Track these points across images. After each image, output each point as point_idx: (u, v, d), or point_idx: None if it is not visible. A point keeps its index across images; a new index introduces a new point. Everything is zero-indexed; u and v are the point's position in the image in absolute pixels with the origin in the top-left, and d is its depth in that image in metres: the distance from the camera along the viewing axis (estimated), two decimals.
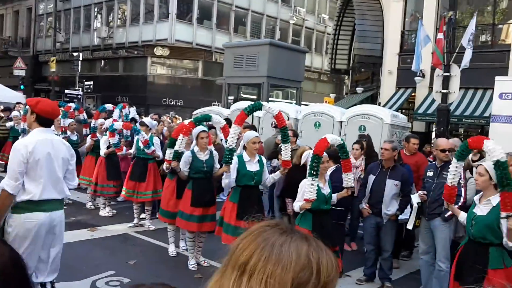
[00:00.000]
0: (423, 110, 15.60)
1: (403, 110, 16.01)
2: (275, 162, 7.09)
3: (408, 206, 5.19)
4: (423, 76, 15.72)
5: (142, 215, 7.11)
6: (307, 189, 4.27)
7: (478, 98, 15.26)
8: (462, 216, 4.08)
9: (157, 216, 6.49)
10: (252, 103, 5.40)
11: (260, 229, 1.03)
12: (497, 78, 7.92)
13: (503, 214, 3.44)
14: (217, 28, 28.43)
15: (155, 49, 27.53)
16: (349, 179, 4.78)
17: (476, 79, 14.38)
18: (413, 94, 16.88)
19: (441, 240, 4.78)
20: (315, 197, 4.29)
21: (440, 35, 10.98)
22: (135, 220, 7.03)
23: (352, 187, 4.85)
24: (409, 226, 4.90)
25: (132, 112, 9.86)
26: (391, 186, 5.20)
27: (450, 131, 17.34)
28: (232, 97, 16.91)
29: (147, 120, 7.46)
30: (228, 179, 4.87)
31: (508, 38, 16.18)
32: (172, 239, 5.91)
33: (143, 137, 6.67)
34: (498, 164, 3.46)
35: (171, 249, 5.88)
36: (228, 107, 12.92)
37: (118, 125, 7.27)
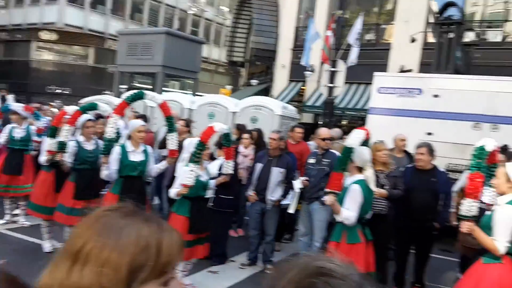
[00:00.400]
0: (311, 103, 16.42)
1: (294, 102, 16.69)
2: (164, 151, 6.94)
3: (291, 191, 5.41)
4: (313, 70, 16.52)
5: (16, 211, 6.52)
6: (186, 175, 4.24)
7: (361, 92, 16.45)
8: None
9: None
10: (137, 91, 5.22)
11: (100, 214, 0.96)
12: (375, 73, 8.55)
13: (326, 190, 3.88)
14: (112, 14, 27.09)
15: (41, 33, 25.43)
16: (228, 166, 4.87)
17: (360, 75, 15.46)
18: (303, 87, 17.68)
19: (318, 222, 5.12)
20: (193, 183, 4.28)
21: (329, 33, 11.61)
22: (7, 217, 6.42)
23: (230, 174, 4.94)
24: (291, 210, 5.11)
25: (10, 99, 8.99)
26: (277, 173, 5.39)
27: (336, 122, 18.50)
28: (126, 86, 16.24)
29: (17, 106, 6.75)
30: (108, 170, 4.66)
31: (390, 37, 17.58)
32: (47, 235, 5.49)
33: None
34: (345, 149, 3.90)
35: (47, 246, 5.47)
36: (119, 97, 12.37)
37: None
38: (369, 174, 3.95)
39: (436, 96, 7.83)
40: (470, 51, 10.69)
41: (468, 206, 3.23)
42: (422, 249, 5.17)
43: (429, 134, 7.70)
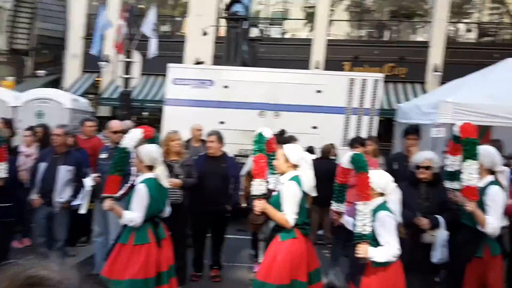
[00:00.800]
0: (108, 95, 15.71)
1: (90, 95, 15.73)
2: None
3: (82, 190, 5.05)
4: (108, 61, 15.81)
5: None
6: None
7: (159, 84, 16.46)
8: None
9: None
10: None
11: None
12: (170, 65, 8.62)
13: (102, 195, 3.74)
14: None
15: None
16: (1, 169, 4.31)
17: (157, 67, 15.41)
18: (98, 79, 16.78)
19: (114, 220, 4.88)
20: None
21: (121, 22, 11.18)
22: None
23: (3, 178, 4.38)
24: (82, 211, 4.78)
25: None
26: (64, 172, 4.96)
27: (136, 115, 18.13)
28: None
29: None
30: None
31: (185, 30, 17.94)
32: None
33: None
34: (119, 150, 3.79)
35: None
36: None
37: None
38: (159, 172, 3.81)
39: (226, 87, 8.32)
40: (255, 45, 11.66)
41: (258, 186, 3.46)
42: (218, 232, 5.46)
43: (222, 123, 8.15)
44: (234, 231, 6.19)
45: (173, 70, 8.58)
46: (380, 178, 3.36)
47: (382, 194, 3.35)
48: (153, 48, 11.36)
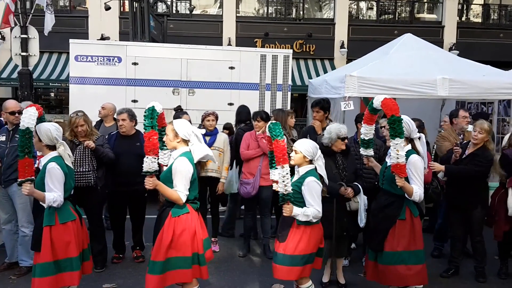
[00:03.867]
0: (7, 75, 14.44)
1: None
2: None
3: None
4: (3, 38, 14.43)
5: None
6: None
7: (63, 62, 15.40)
8: None
9: None
10: None
11: None
12: (71, 41, 8.03)
13: (19, 180, 3.49)
14: None
15: None
16: None
17: (58, 44, 14.38)
18: None
19: (21, 205, 4.60)
20: None
21: None
22: None
23: None
24: None
25: None
26: None
27: (40, 95, 16.88)
28: None
29: None
30: None
31: (86, 3, 16.86)
32: None
33: None
34: (21, 131, 3.48)
35: None
36: None
37: None
38: (61, 151, 3.70)
39: (135, 64, 7.98)
40: (164, 21, 11.28)
41: (149, 163, 3.37)
42: (136, 212, 5.30)
43: (134, 101, 7.86)
44: (155, 210, 6.01)
45: (75, 46, 8.02)
46: (309, 146, 3.63)
47: (311, 162, 3.64)
48: (48, 23, 10.46)
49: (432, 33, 16.69)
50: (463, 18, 18.47)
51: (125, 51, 8.02)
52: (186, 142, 3.54)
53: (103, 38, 14.91)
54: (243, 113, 6.31)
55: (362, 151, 4.22)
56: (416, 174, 3.65)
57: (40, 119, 3.69)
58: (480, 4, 18.44)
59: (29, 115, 3.45)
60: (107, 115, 6.30)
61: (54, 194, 3.53)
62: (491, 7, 18.33)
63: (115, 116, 6.06)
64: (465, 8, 18.67)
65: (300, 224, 3.54)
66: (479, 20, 18.38)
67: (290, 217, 3.51)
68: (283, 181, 3.34)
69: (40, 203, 3.57)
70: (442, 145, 5.50)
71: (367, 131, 4.06)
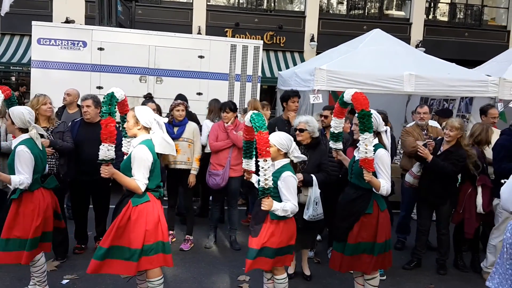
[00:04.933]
0: None
1: None
2: None
3: None
4: None
5: None
6: None
7: (25, 45, 14.81)
8: None
9: None
10: None
11: None
12: (34, 23, 7.72)
13: None
14: None
15: None
16: None
17: (20, 26, 13.84)
18: None
19: None
20: None
21: None
22: None
23: None
24: None
25: None
26: None
27: (0, 79, 16.20)
28: None
29: None
30: None
31: None
32: None
33: None
34: None
35: None
36: None
37: None
38: (32, 134, 3.70)
39: (101, 49, 7.75)
40: (132, 6, 10.99)
41: (105, 151, 3.31)
42: (100, 202, 5.16)
43: (99, 88, 7.65)
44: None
45: (38, 28, 7.72)
46: (283, 139, 3.56)
47: (286, 155, 3.58)
48: (6, 5, 9.99)
49: (400, 29, 17.00)
50: (430, 16, 18.88)
51: (90, 36, 7.77)
52: (147, 129, 3.47)
53: (68, 21, 14.41)
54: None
55: (332, 144, 4.23)
56: (383, 168, 3.67)
57: (10, 101, 3.70)
58: (447, 3, 18.88)
59: None
60: (72, 101, 6.08)
61: (20, 177, 3.53)
62: (457, 6, 18.81)
63: (79, 102, 5.87)
64: (432, 6, 19.08)
65: (273, 219, 3.49)
66: (445, 18, 18.84)
67: (264, 212, 3.44)
68: (264, 175, 3.25)
69: (7, 185, 3.61)
70: (405, 140, 5.60)
71: (337, 124, 4.07)
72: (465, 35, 18.01)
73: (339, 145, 4.22)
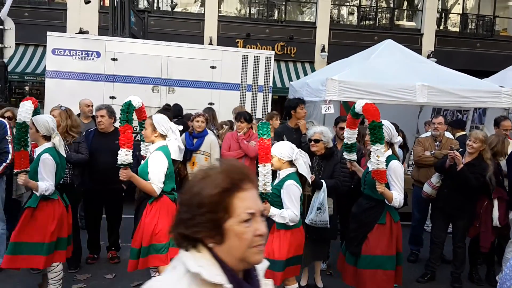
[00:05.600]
0: None
1: None
2: None
3: None
4: None
5: None
6: None
7: (39, 55, 15.02)
8: None
9: None
10: None
11: None
12: (48, 33, 7.82)
13: (15, 171, 3.72)
14: None
15: None
16: None
17: (35, 36, 14.06)
18: None
19: None
20: None
21: None
22: None
23: None
24: None
25: None
26: None
27: (14, 89, 16.43)
28: None
29: None
30: None
31: None
32: None
33: None
34: (18, 125, 3.72)
35: None
36: None
37: None
38: (56, 141, 3.89)
39: (114, 59, 7.83)
40: (145, 17, 11.12)
41: (124, 156, 3.57)
42: (113, 212, 5.18)
43: (112, 98, 7.71)
44: (132, 210, 5.88)
45: (53, 39, 7.82)
46: (283, 148, 3.60)
47: (291, 163, 3.59)
48: (6, 7, 9.94)
49: (411, 40, 16.95)
50: (442, 27, 18.82)
51: (104, 46, 7.86)
52: (163, 136, 3.71)
53: (81, 32, 14.62)
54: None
55: (346, 155, 4.22)
56: (396, 180, 3.65)
57: (35, 111, 3.84)
58: (458, 14, 18.83)
59: (25, 109, 3.59)
60: (88, 111, 6.15)
61: (46, 183, 3.67)
62: (468, 17, 18.73)
63: (94, 113, 5.93)
64: (443, 17, 19.03)
65: (279, 229, 3.50)
66: (457, 29, 18.77)
67: (270, 221, 3.45)
68: (263, 180, 3.34)
69: (33, 191, 3.72)
70: (415, 149, 5.61)
71: (350, 135, 4.06)
72: (477, 46, 17.91)
73: (353, 156, 4.20)
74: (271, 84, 8.46)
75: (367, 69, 7.61)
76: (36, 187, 3.65)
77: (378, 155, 3.51)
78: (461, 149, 4.94)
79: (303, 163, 3.61)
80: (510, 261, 2.87)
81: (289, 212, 3.42)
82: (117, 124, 5.15)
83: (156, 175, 3.55)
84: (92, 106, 6.14)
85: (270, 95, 8.44)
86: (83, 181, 4.84)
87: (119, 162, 3.56)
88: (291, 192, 3.47)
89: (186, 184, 1.24)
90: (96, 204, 5.07)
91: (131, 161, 3.61)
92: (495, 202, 4.75)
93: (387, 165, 3.60)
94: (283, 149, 3.59)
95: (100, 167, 4.79)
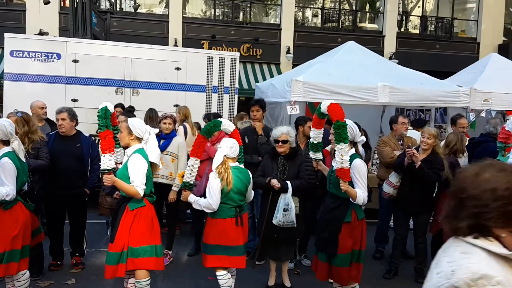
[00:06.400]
0: None
1: None
2: None
3: None
4: None
5: None
6: None
7: None
8: None
9: None
10: None
11: None
12: (6, 35, 7.57)
13: None
14: None
15: None
16: None
17: None
18: None
19: None
20: None
21: None
22: None
23: None
24: None
25: None
26: None
27: None
28: None
29: None
30: None
31: None
32: None
33: None
34: None
35: None
36: None
37: None
38: (15, 146, 3.82)
39: (76, 61, 7.65)
40: (107, 18, 10.89)
41: (106, 161, 3.59)
42: (76, 217, 5.04)
43: (74, 100, 7.53)
44: (96, 215, 5.76)
45: (10, 40, 7.56)
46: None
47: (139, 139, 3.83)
48: None
49: (373, 42, 17.32)
50: (402, 29, 19.33)
51: (64, 48, 7.66)
52: (139, 139, 3.74)
53: (41, 33, 14.18)
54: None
55: (312, 154, 4.28)
56: (360, 178, 3.72)
57: None
58: (418, 16, 19.38)
59: None
60: (42, 113, 5.96)
61: (7, 188, 3.58)
62: (428, 19, 19.31)
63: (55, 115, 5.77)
64: (404, 19, 19.55)
65: (210, 217, 3.92)
66: (417, 31, 19.31)
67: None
68: (191, 171, 3.81)
69: None
70: (383, 150, 5.67)
71: (316, 134, 4.11)
72: (436, 47, 18.48)
73: (319, 155, 4.26)
74: (237, 85, 8.47)
75: (330, 70, 7.73)
76: None
77: (342, 154, 3.58)
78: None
79: (185, 159, 4.23)
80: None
81: (203, 200, 3.85)
82: (80, 128, 5.06)
83: (138, 177, 3.57)
84: (46, 108, 5.95)
85: (236, 96, 8.44)
86: (44, 186, 4.69)
87: (102, 167, 3.59)
88: (210, 184, 3.82)
89: (459, 182, 1.44)
90: (58, 209, 4.92)
91: (114, 166, 3.65)
92: None
93: (350, 163, 3.66)
94: (228, 145, 3.92)
95: (62, 171, 4.66)
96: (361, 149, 3.93)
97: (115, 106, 6.79)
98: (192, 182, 3.85)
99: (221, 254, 3.88)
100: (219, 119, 4.22)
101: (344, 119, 3.64)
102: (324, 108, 3.78)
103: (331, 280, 4.01)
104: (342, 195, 3.75)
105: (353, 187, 3.70)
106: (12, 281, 3.87)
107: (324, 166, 4.36)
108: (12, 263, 3.68)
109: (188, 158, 4.09)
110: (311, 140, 4.20)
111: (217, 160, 3.86)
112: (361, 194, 3.69)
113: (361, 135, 3.98)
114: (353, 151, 3.80)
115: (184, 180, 3.84)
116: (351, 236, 3.77)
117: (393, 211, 5.44)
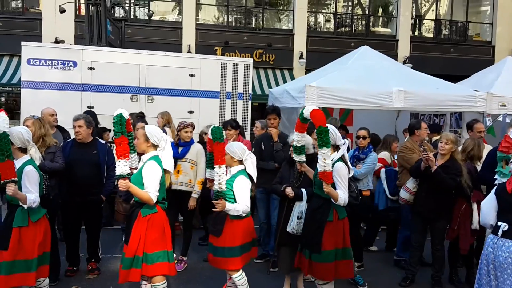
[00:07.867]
0: None
1: None
2: None
3: None
4: None
5: None
6: None
7: (14, 66, 14.77)
8: None
9: None
10: None
11: None
12: (23, 43, 7.70)
13: (3, 181, 3.53)
14: None
15: None
16: None
17: (10, 46, 13.86)
18: None
19: None
20: None
21: None
22: None
23: None
24: None
25: None
26: None
27: None
28: None
29: None
30: None
31: (40, 5, 16.28)
32: None
33: None
34: None
35: None
36: None
37: None
38: (33, 153, 3.88)
39: (91, 69, 7.74)
40: (121, 26, 11.04)
41: (122, 167, 3.62)
42: (92, 223, 5.09)
43: (90, 107, 7.61)
44: (112, 221, 5.81)
45: (28, 49, 7.69)
46: (236, 148, 4.02)
47: (241, 162, 4.03)
48: None
49: (386, 46, 17.24)
50: (416, 33, 19.20)
51: (80, 56, 7.77)
52: (155, 146, 3.80)
53: (57, 41, 14.42)
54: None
55: (295, 157, 4.36)
56: (341, 180, 3.86)
57: None
58: (432, 20, 19.24)
59: (1, 120, 3.47)
60: (53, 121, 6.03)
61: (33, 195, 3.63)
62: (442, 23, 19.16)
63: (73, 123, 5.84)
64: (418, 23, 19.42)
65: (233, 219, 3.92)
66: (431, 34, 19.17)
67: (223, 213, 3.87)
68: (219, 180, 3.71)
69: (20, 203, 3.61)
70: (410, 158, 5.42)
71: (299, 138, 4.19)
72: (451, 51, 18.32)
73: (302, 158, 4.33)
74: (250, 91, 8.49)
75: (344, 76, 7.71)
76: (24, 199, 3.57)
77: (324, 158, 3.68)
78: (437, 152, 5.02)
79: (251, 164, 4.05)
80: (481, 259, 2.95)
81: (241, 205, 3.86)
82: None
83: (152, 183, 3.62)
84: (56, 114, 6.02)
85: (249, 102, 8.46)
86: (61, 193, 4.75)
87: (117, 173, 3.62)
88: (242, 185, 3.90)
89: None
90: (75, 216, 4.96)
91: (129, 171, 3.69)
92: (474, 206, 4.80)
93: (334, 166, 3.81)
94: (236, 149, 4.00)
95: (78, 178, 4.71)
96: (346, 152, 4.03)
97: (137, 116, 6.90)
98: (225, 190, 3.79)
99: (246, 252, 4.03)
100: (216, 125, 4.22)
101: (326, 126, 3.73)
102: (307, 113, 3.87)
103: (313, 278, 4.15)
104: (325, 196, 3.88)
105: (335, 189, 3.84)
106: None
107: (308, 168, 4.42)
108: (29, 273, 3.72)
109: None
110: (294, 143, 4.28)
111: (252, 172, 4.06)
112: (342, 195, 3.83)
113: (342, 139, 4.07)
114: (335, 154, 3.92)
115: (215, 190, 3.78)
116: (332, 235, 3.91)
117: (410, 217, 5.33)
